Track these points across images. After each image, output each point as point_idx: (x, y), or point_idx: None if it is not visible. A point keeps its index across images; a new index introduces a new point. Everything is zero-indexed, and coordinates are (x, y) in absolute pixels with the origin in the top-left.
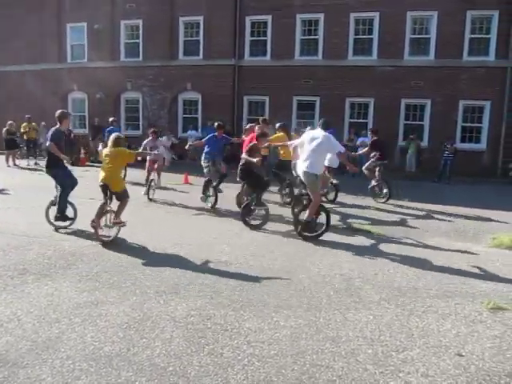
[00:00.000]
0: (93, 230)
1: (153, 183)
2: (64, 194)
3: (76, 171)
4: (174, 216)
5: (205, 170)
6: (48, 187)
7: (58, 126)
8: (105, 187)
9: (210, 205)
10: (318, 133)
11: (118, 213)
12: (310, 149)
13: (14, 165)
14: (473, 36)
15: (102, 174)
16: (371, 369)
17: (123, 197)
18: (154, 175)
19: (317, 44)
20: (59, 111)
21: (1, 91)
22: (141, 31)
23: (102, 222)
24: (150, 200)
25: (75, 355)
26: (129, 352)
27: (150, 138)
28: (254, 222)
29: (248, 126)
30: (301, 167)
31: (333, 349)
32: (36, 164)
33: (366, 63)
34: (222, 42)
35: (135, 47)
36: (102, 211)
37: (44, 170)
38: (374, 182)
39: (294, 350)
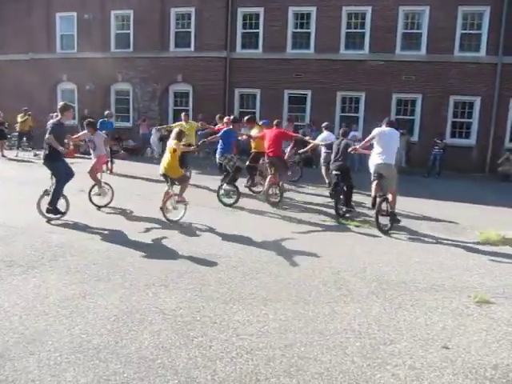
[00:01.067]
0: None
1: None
2: (58, 187)
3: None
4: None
5: (228, 167)
6: (36, 178)
7: (59, 118)
8: (165, 176)
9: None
10: (390, 130)
11: (180, 193)
12: (386, 143)
13: (2, 156)
14: (464, 32)
15: (162, 166)
16: (359, 361)
17: (183, 181)
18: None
19: (309, 37)
20: (62, 103)
21: None
22: (131, 22)
23: (169, 205)
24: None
25: (63, 347)
26: (117, 344)
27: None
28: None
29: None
30: (378, 160)
31: (321, 341)
32: (35, 155)
33: (358, 57)
34: (213, 33)
35: (126, 38)
36: (167, 196)
37: (41, 161)
38: None
39: (282, 342)
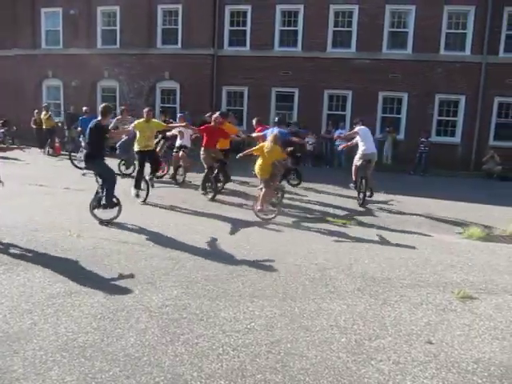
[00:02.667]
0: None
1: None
2: (108, 184)
3: (50, 161)
4: (152, 207)
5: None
6: (31, 177)
7: (100, 119)
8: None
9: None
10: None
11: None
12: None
13: None
14: (449, 31)
15: (258, 169)
16: (344, 357)
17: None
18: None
19: (296, 35)
20: (104, 105)
21: None
22: (118, 18)
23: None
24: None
25: (48, 346)
26: (102, 342)
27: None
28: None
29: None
30: (372, 149)
31: (307, 338)
32: (72, 156)
33: (345, 55)
34: (200, 31)
35: (112, 34)
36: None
37: (81, 163)
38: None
39: (268, 339)
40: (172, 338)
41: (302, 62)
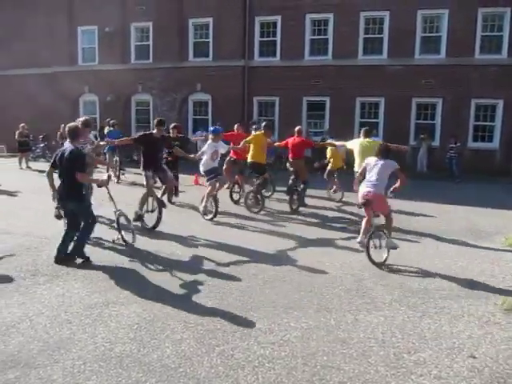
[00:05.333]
0: None
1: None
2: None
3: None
4: (184, 218)
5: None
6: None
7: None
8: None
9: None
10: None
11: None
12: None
13: (27, 167)
14: (484, 34)
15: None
16: (383, 371)
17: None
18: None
19: (326, 44)
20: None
21: (12, 93)
22: (151, 33)
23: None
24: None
25: (86, 356)
26: (139, 353)
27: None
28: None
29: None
30: None
31: (344, 350)
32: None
33: (377, 62)
34: (231, 42)
35: (145, 49)
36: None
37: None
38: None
39: (304, 351)
40: (207, 350)
41: (333, 70)
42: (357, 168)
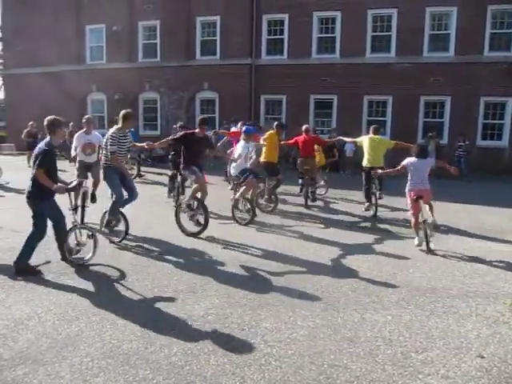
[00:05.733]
0: None
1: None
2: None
3: None
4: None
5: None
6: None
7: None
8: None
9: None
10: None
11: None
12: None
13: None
14: (493, 31)
15: None
16: (390, 370)
17: None
18: None
19: (334, 42)
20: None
21: (21, 92)
22: (158, 32)
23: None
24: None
25: (94, 353)
26: (146, 350)
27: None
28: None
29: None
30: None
31: (351, 349)
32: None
33: (384, 60)
34: (238, 41)
35: (153, 48)
36: None
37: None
38: None
39: (311, 349)
40: (214, 348)
41: (341, 68)
42: (365, 163)
